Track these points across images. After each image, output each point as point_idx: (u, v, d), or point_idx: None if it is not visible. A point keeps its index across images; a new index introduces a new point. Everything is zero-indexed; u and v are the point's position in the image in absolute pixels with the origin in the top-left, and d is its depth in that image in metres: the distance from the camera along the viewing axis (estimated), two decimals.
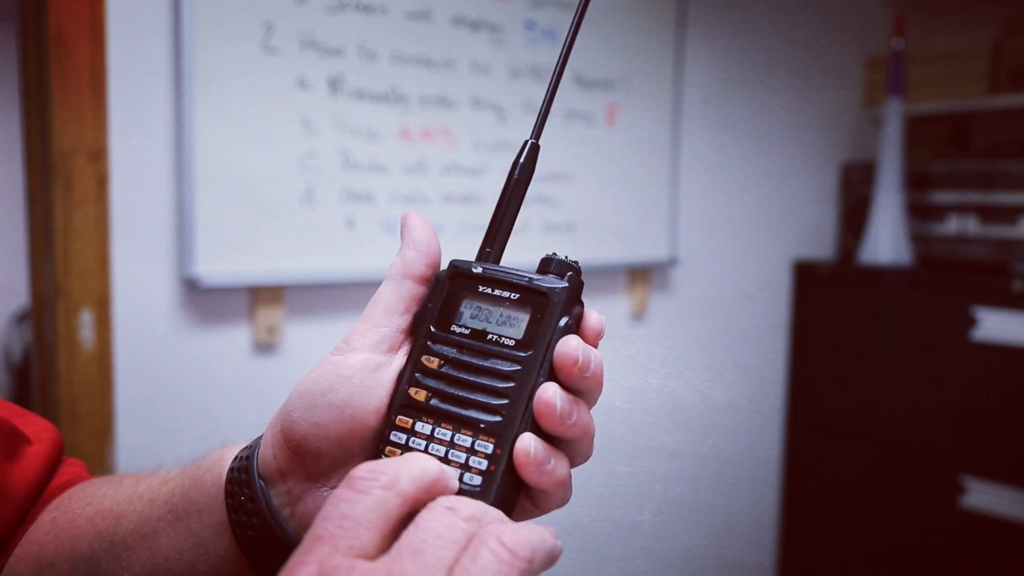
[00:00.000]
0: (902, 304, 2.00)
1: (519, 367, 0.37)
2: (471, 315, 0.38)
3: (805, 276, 2.22)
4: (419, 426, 0.37)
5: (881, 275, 2.03)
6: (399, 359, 0.39)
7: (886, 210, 2.03)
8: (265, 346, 1.42)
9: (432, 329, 0.38)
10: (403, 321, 0.39)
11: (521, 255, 2.00)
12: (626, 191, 1.85)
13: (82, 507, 0.46)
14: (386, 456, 0.37)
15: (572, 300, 0.38)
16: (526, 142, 0.41)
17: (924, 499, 1.95)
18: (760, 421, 2.24)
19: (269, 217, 1.36)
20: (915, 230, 2.07)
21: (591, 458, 0.39)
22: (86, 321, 1.25)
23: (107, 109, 1.24)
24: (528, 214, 1.68)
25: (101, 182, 1.24)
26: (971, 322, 1.86)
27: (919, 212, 2.08)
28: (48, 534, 0.46)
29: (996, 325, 1.82)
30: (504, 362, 0.37)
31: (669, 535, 2.01)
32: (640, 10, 1.82)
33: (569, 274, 0.38)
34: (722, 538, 2.15)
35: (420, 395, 0.38)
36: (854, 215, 2.20)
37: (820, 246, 2.32)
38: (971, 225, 1.99)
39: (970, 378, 1.87)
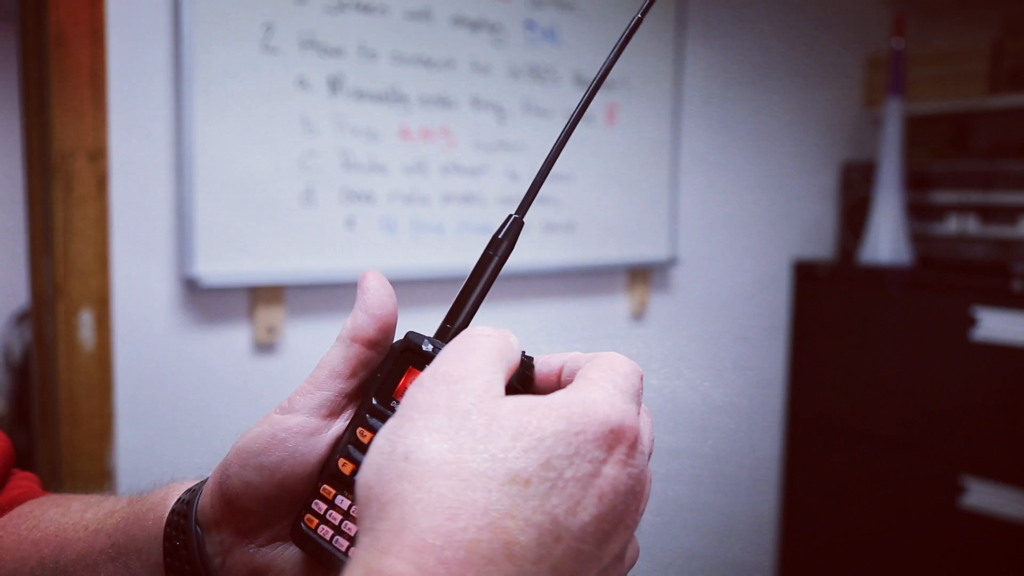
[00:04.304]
0: (902, 304, 2.00)
1: None
2: None
3: (805, 276, 2.22)
4: (339, 499, 0.36)
5: (881, 275, 2.03)
6: (338, 425, 0.38)
7: (886, 210, 2.02)
8: (265, 346, 1.41)
9: (373, 402, 0.37)
10: (348, 385, 0.38)
11: (522, 255, 2.00)
12: (626, 191, 1.85)
13: (28, 529, 0.46)
14: (304, 524, 0.37)
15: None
16: (509, 216, 0.40)
17: (924, 499, 1.95)
18: (760, 421, 2.24)
19: (269, 217, 1.36)
20: (915, 230, 2.07)
21: None
22: (86, 321, 1.25)
23: (107, 109, 1.24)
24: (528, 214, 1.68)
25: (101, 182, 1.24)
26: (971, 322, 1.86)
27: (919, 212, 2.08)
28: None
29: (996, 325, 1.82)
30: None
31: (669, 535, 2.01)
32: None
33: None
34: (722, 538, 2.15)
35: (347, 468, 0.37)
36: (854, 215, 2.20)
37: (820, 246, 2.32)
38: (971, 225, 1.99)
39: (970, 378, 1.87)
